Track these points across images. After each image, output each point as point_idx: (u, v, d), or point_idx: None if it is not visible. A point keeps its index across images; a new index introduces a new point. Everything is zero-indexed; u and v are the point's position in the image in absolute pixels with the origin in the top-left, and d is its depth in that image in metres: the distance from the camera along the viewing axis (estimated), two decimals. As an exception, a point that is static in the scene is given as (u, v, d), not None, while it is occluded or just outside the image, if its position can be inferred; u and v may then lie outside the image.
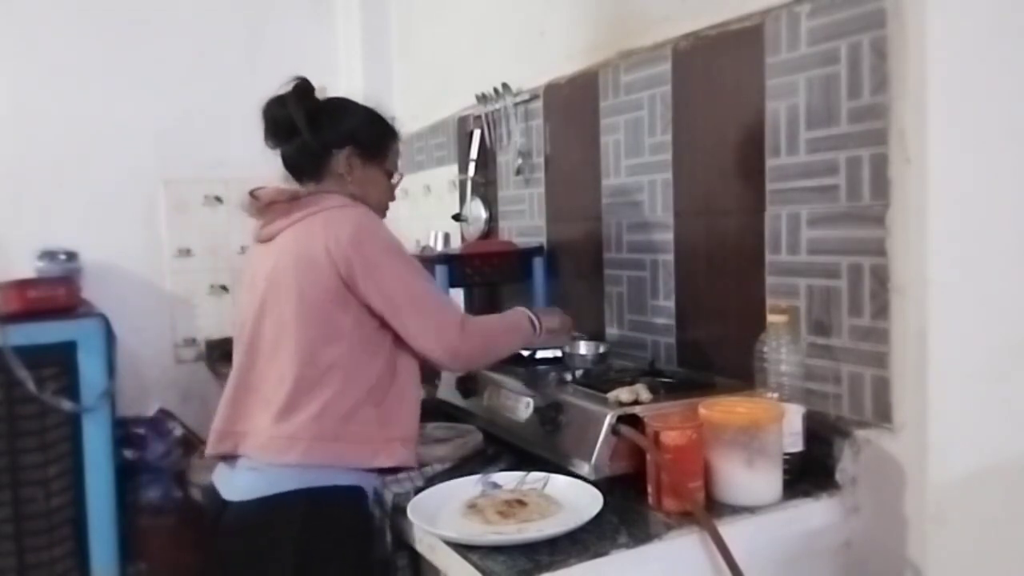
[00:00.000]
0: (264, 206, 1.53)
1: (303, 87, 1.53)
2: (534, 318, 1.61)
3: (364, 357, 1.43)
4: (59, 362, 2.37)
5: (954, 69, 1.23)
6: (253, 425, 1.44)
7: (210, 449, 1.49)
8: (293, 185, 1.59)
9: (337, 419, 1.40)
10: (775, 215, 1.51)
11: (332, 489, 1.38)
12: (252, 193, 1.56)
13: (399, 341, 1.47)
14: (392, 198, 1.67)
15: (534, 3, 2.26)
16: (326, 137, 1.53)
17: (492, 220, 2.51)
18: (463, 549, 1.18)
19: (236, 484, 1.43)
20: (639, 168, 1.87)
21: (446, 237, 2.46)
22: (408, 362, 1.50)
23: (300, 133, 1.51)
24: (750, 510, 1.27)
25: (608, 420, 1.36)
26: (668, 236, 1.79)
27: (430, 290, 1.47)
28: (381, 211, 1.64)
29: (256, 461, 1.41)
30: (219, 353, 2.85)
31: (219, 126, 2.98)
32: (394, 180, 1.66)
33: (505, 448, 1.61)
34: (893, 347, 1.29)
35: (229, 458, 1.46)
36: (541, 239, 2.25)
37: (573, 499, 1.29)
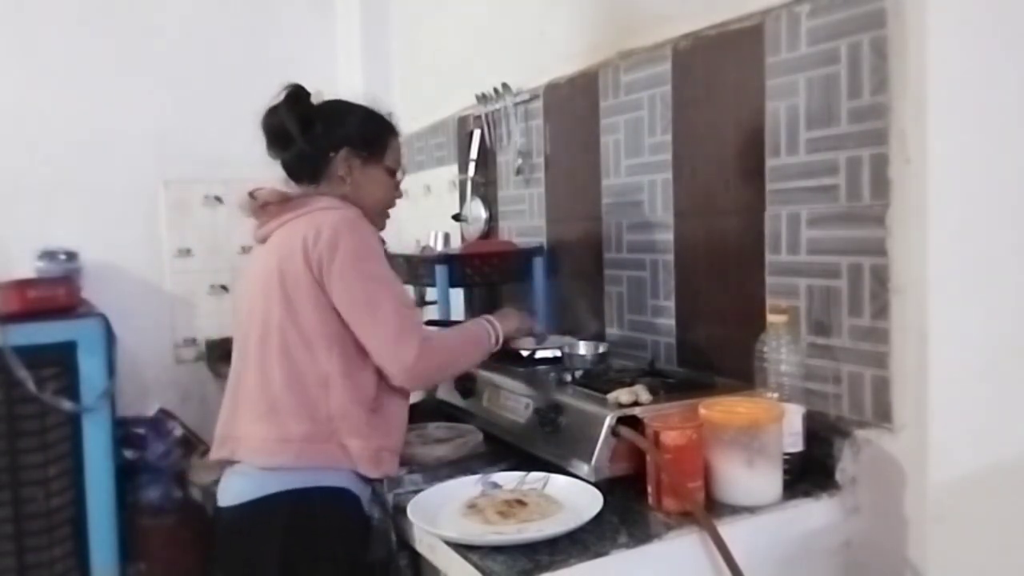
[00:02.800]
0: (259, 207, 1.54)
1: (295, 93, 1.53)
2: (492, 327, 1.59)
3: (356, 361, 1.42)
4: (59, 362, 2.37)
5: (954, 69, 1.23)
6: (246, 430, 1.43)
7: (212, 454, 1.49)
8: (294, 188, 1.58)
9: (327, 422, 1.39)
10: (775, 215, 1.51)
11: (319, 490, 1.37)
12: (251, 194, 1.56)
13: None
14: (398, 195, 1.65)
15: (534, 3, 2.26)
16: (321, 142, 1.53)
17: (492, 220, 2.51)
18: (463, 549, 1.18)
19: (228, 489, 1.44)
20: (639, 168, 1.87)
21: (446, 237, 2.46)
22: None
23: (295, 141, 1.51)
24: (750, 510, 1.27)
25: (608, 422, 1.35)
26: (668, 236, 1.79)
27: (396, 305, 1.43)
28: (384, 211, 1.63)
29: (248, 466, 1.41)
30: (219, 353, 2.85)
31: (219, 126, 2.98)
32: (398, 177, 1.64)
33: (505, 448, 1.61)
34: (893, 347, 1.29)
35: (229, 463, 1.46)
36: (541, 239, 2.25)
37: (573, 499, 1.29)
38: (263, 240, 1.53)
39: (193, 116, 3.04)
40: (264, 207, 1.53)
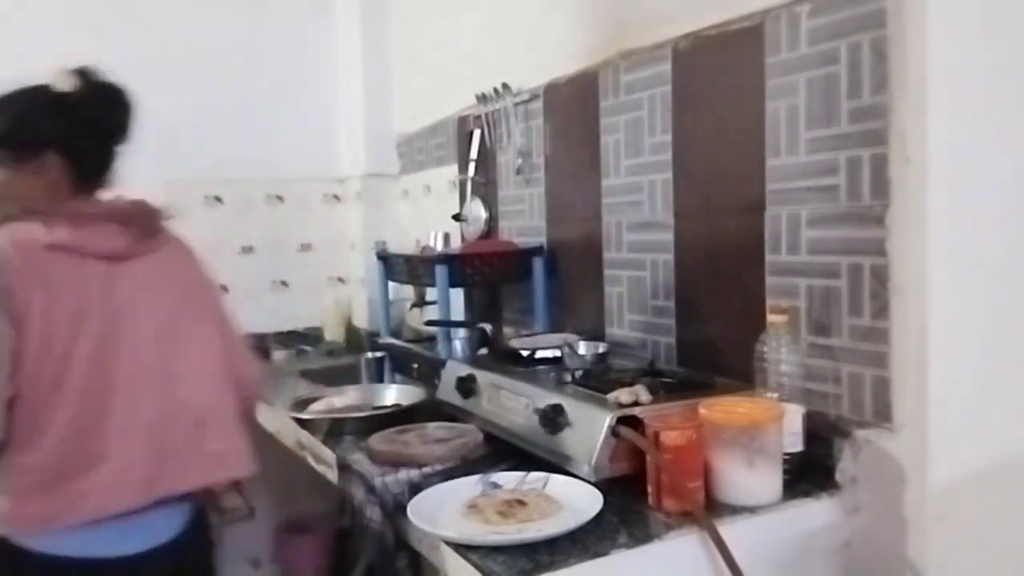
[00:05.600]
0: None
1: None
2: None
3: None
4: (59, 362, 2.37)
5: (954, 69, 1.23)
6: None
7: None
8: None
9: None
10: (775, 215, 1.51)
11: None
12: None
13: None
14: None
15: (534, 3, 2.26)
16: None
17: (492, 220, 2.51)
18: (463, 549, 1.18)
19: None
20: (639, 168, 1.87)
21: (446, 237, 2.46)
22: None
23: None
24: (750, 510, 1.28)
25: (608, 422, 1.35)
26: (668, 236, 1.79)
27: None
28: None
29: None
30: (219, 353, 2.85)
31: (219, 126, 2.98)
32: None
33: (505, 448, 1.61)
34: (893, 347, 1.29)
35: None
36: (541, 239, 2.25)
37: (573, 499, 1.30)
38: None
39: (193, 116, 3.04)
40: None
